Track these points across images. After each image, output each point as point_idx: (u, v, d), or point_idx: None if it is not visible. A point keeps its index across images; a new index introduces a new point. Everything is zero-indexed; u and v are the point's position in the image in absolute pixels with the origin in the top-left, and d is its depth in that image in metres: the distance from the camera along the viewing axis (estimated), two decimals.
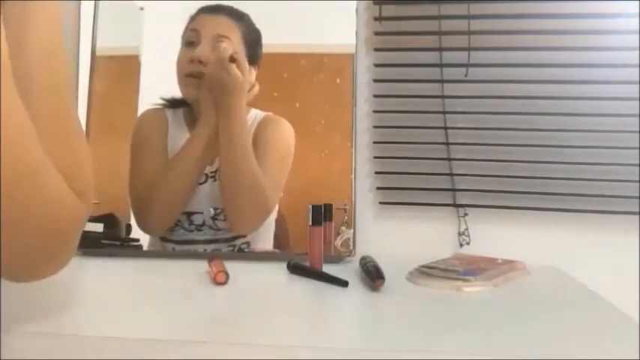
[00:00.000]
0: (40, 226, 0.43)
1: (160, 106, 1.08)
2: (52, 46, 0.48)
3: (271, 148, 1.05)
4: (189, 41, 1.05)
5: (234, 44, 1.04)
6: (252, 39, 1.07)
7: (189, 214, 1.03)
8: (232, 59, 1.01)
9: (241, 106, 1.01)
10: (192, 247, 1.03)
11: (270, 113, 1.07)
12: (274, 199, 1.03)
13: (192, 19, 1.07)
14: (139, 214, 1.04)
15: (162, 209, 1.03)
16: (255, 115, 1.06)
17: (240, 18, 1.07)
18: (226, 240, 1.03)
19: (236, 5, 1.07)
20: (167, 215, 1.03)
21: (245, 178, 1.00)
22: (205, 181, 1.04)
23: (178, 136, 1.06)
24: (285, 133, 1.06)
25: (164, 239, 1.04)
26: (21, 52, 0.46)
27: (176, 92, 1.07)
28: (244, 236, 1.04)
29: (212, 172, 1.04)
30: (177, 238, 1.04)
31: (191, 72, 1.04)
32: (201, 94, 1.03)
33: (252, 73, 1.05)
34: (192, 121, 1.07)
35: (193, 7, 1.08)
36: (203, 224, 1.03)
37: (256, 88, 1.06)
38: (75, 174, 0.46)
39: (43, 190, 0.42)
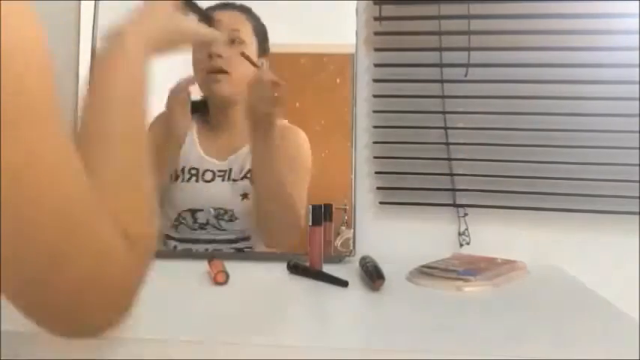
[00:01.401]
0: (82, 280, 0.40)
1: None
2: (133, 98, 0.51)
3: (299, 166, 1.04)
4: None
5: (246, 37, 1.04)
6: (262, 32, 1.07)
7: (193, 212, 1.03)
8: (276, 84, 0.95)
9: (275, 130, 0.97)
10: (194, 247, 1.03)
11: (285, 121, 1.05)
12: (304, 214, 1.01)
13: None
14: None
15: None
16: None
17: (249, 12, 1.07)
18: (229, 241, 1.03)
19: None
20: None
21: (283, 200, 0.98)
22: (213, 179, 1.04)
23: (186, 140, 1.06)
24: (304, 143, 1.05)
25: (167, 237, 1.04)
26: (102, 100, 0.49)
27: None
28: (248, 239, 1.03)
29: (220, 172, 1.04)
30: (180, 236, 1.04)
31: (212, 67, 1.03)
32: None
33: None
34: (202, 118, 1.07)
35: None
36: (207, 223, 1.03)
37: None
38: (133, 219, 0.45)
39: (90, 243, 0.40)
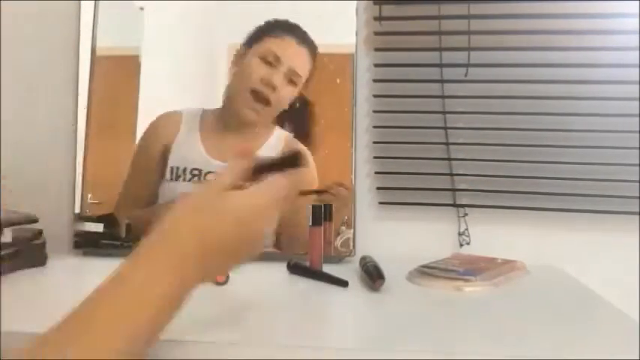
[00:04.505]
0: None
1: (178, 110, 1.08)
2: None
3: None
4: (267, 60, 1.04)
5: (302, 71, 1.05)
6: (315, 52, 1.07)
7: None
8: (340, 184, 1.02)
9: None
10: None
11: (291, 135, 1.06)
12: None
13: (273, 32, 1.06)
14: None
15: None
16: (278, 135, 1.06)
17: (304, 37, 1.07)
18: None
19: (239, 5, 1.07)
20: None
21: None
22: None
23: (187, 139, 1.06)
24: (313, 164, 1.05)
25: None
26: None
27: (176, 92, 1.07)
28: None
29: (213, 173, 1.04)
30: None
31: (260, 91, 1.03)
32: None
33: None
34: (211, 124, 1.07)
35: (193, 7, 1.08)
36: None
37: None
38: None
39: None
